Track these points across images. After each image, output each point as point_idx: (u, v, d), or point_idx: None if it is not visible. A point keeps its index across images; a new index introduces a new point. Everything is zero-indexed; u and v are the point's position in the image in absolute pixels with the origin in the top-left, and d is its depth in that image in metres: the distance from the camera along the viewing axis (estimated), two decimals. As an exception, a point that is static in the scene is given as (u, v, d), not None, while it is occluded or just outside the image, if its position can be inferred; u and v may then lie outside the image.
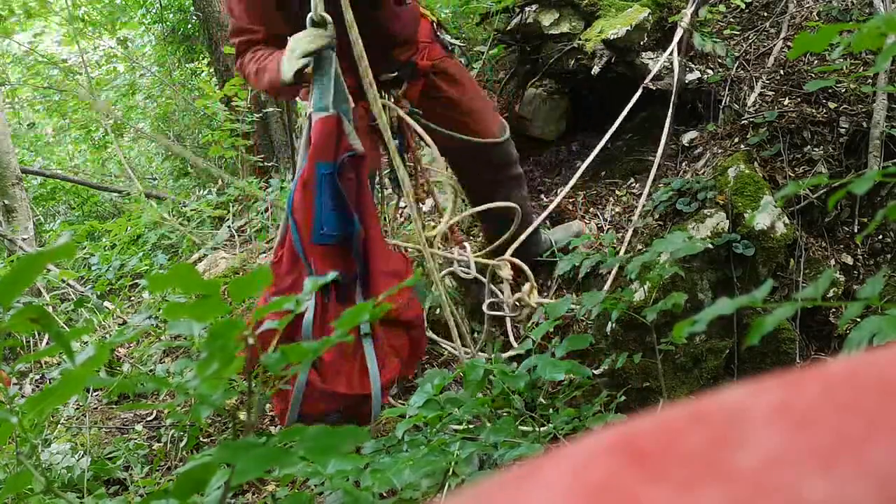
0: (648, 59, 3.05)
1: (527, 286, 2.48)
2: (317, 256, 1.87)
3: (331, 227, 1.85)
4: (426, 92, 2.42)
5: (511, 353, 2.28)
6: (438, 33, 2.47)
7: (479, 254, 2.51)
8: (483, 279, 2.44)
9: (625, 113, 2.75)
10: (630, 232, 2.69)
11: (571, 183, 2.78)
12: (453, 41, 2.53)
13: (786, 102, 2.84)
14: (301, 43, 1.88)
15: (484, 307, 2.47)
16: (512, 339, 2.57)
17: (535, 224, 2.62)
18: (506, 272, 2.41)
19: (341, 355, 1.90)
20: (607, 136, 2.74)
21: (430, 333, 2.62)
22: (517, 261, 2.46)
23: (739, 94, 2.99)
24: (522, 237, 2.51)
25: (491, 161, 2.56)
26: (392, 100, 2.33)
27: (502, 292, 2.45)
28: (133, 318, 2.63)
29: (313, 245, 1.86)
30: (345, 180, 1.88)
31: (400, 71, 2.36)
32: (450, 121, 2.45)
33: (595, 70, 2.97)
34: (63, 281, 3.32)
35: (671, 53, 2.88)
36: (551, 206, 2.77)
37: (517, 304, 2.46)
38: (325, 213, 1.86)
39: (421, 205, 2.63)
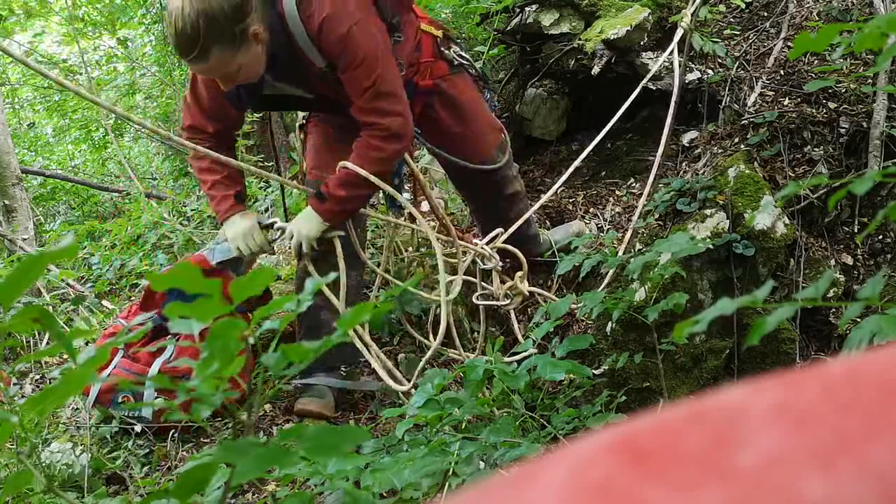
0: (648, 59, 3.05)
1: (518, 273, 2.49)
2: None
3: None
4: (424, 111, 2.41)
5: (517, 357, 2.28)
6: (443, 49, 2.44)
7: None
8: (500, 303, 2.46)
9: (621, 112, 2.76)
10: (630, 232, 2.69)
11: (564, 178, 2.78)
12: (461, 54, 2.48)
13: (786, 102, 2.84)
14: (238, 240, 2.23)
15: (474, 298, 2.48)
16: (518, 333, 2.57)
17: (525, 216, 2.64)
18: (492, 262, 2.43)
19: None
20: (603, 132, 2.75)
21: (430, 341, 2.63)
22: (510, 247, 2.49)
23: (739, 94, 3.00)
24: (511, 232, 2.57)
25: (487, 182, 2.58)
26: None
27: (492, 282, 2.47)
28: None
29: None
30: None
31: None
32: (443, 141, 2.45)
33: (595, 70, 2.97)
34: (63, 281, 3.32)
35: (671, 53, 2.88)
36: (541, 201, 2.78)
37: (508, 292, 2.48)
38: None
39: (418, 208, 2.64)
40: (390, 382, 2.23)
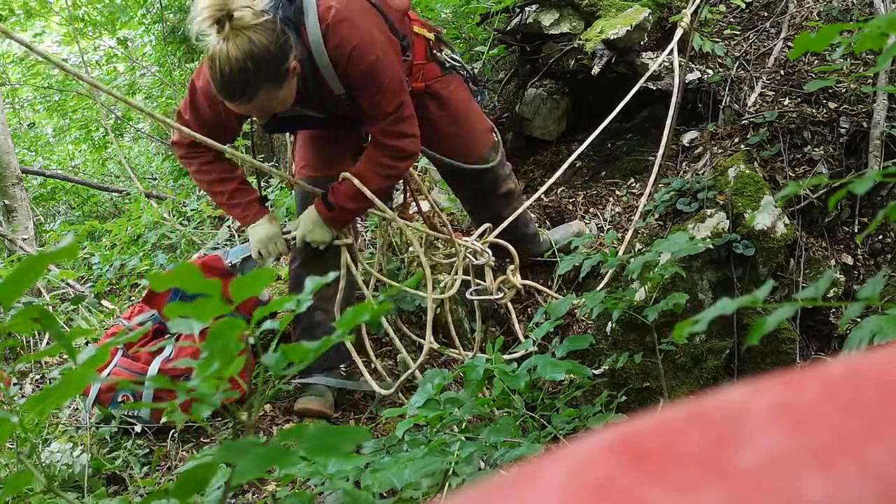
0: (648, 59, 3.05)
1: (511, 267, 2.50)
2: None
3: None
4: (417, 113, 2.42)
5: (515, 355, 2.28)
6: (434, 51, 2.46)
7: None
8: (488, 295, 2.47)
9: (618, 110, 2.75)
10: (630, 232, 2.69)
11: (557, 174, 2.77)
12: (453, 57, 2.50)
13: (786, 102, 2.84)
14: (261, 244, 2.28)
15: (467, 294, 2.49)
16: (519, 333, 2.58)
17: (519, 210, 2.64)
18: (483, 258, 2.44)
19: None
20: (598, 130, 2.74)
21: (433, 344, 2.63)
22: (502, 242, 2.51)
23: (739, 94, 3.00)
24: (502, 228, 2.58)
25: (480, 182, 2.60)
26: None
27: (485, 278, 2.49)
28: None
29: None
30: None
31: None
32: (436, 142, 2.46)
33: (595, 70, 2.97)
34: (63, 281, 3.32)
35: (671, 53, 2.88)
36: (534, 197, 2.78)
37: (501, 286, 2.49)
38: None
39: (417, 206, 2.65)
40: (375, 387, 2.29)
